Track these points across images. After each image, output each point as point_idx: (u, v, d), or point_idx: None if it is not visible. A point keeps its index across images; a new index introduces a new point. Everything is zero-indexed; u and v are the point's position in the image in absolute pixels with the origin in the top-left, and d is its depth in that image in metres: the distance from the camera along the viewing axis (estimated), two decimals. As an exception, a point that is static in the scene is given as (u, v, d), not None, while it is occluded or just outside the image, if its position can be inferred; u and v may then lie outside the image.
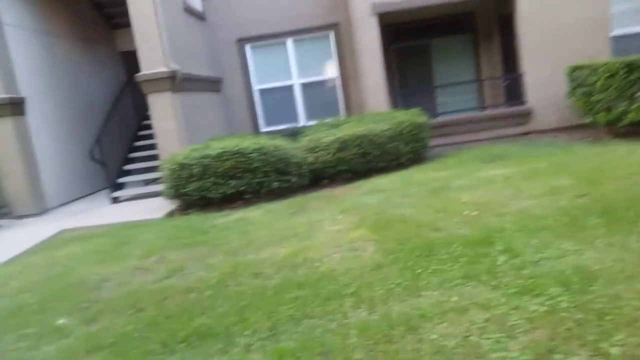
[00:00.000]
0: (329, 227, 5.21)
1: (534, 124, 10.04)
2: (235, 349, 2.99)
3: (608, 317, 2.67)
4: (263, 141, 7.57)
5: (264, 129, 11.94)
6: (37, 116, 9.14)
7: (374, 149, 8.06)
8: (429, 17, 12.23)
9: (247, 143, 7.35)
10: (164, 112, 8.46)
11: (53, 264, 5.47)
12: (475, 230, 4.24)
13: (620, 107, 7.74)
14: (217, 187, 7.18)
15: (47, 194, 9.16)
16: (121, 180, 9.63)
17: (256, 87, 11.83)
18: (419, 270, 3.66)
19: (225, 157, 7.10)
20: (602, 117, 8.09)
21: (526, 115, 10.04)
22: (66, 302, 4.19)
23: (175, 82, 8.52)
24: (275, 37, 11.70)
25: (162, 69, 8.33)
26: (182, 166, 7.16)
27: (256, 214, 6.53)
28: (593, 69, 8.11)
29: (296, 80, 11.75)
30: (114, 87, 11.48)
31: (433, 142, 10.20)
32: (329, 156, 7.85)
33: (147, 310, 3.80)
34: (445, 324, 2.88)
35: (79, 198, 9.99)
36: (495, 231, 4.12)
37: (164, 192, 7.48)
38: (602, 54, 9.24)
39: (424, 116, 8.96)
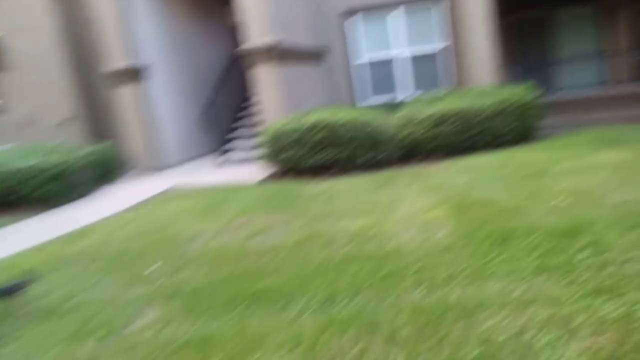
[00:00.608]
0: (409, 204, 5.14)
1: (669, 106, 8.77)
2: (291, 311, 3.14)
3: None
4: (355, 115, 7.58)
5: (367, 100, 11.86)
6: (157, 83, 10.05)
7: (473, 126, 7.67)
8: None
9: (339, 116, 7.41)
10: (266, 82, 8.80)
11: (157, 217, 6.12)
12: (562, 220, 3.91)
13: None
14: (308, 157, 7.39)
15: (164, 154, 10.13)
16: (228, 145, 10.30)
17: (361, 58, 11.72)
18: (489, 258, 3.50)
19: (316, 130, 7.25)
20: None
21: (660, 95, 8.80)
22: (160, 252, 4.69)
23: (278, 54, 8.78)
24: (386, 6, 11.44)
25: (265, 41, 8.62)
26: (277, 136, 7.47)
27: (342, 185, 6.63)
28: None
29: (402, 52, 11.42)
30: (223, 59, 12.15)
31: (546, 121, 9.42)
32: (423, 132, 7.64)
33: (224, 267, 4.12)
34: (501, 316, 2.75)
35: (191, 159, 10.90)
36: (585, 223, 3.76)
37: (262, 160, 7.87)
38: None
39: (533, 93, 8.26)
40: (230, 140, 10.57)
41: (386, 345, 2.61)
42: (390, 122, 7.90)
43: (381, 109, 8.69)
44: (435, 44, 11.18)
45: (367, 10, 11.43)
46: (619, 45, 11.01)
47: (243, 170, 8.78)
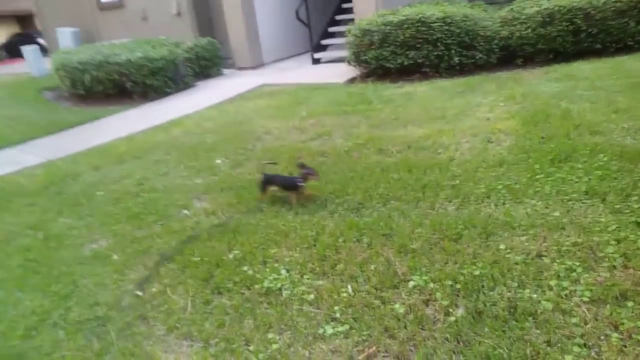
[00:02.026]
0: (482, 113, 4.80)
1: None
2: (321, 212, 3.27)
3: None
4: (452, 9, 6.92)
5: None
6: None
7: (590, 26, 6.58)
8: None
9: (434, 11, 6.83)
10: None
11: (239, 113, 6.45)
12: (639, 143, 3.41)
13: None
14: (395, 57, 7.04)
15: (263, 50, 10.33)
16: (323, 42, 10.15)
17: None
18: (541, 175, 3.25)
19: (406, 26, 6.80)
20: None
21: None
22: (231, 146, 5.03)
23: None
24: None
25: None
26: (364, 32, 7.16)
27: (424, 89, 6.32)
28: None
29: None
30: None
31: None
32: (527, 31, 6.77)
33: (278, 164, 4.32)
34: (525, 238, 2.62)
35: (289, 57, 11.00)
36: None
37: (348, 58, 7.69)
38: None
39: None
40: (329, 35, 10.38)
41: (393, 256, 2.65)
42: (493, 19, 7.11)
43: (496, 3, 7.81)
44: None
45: None
46: None
47: (332, 70, 8.69)
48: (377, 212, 3.16)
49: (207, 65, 9.62)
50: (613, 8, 6.51)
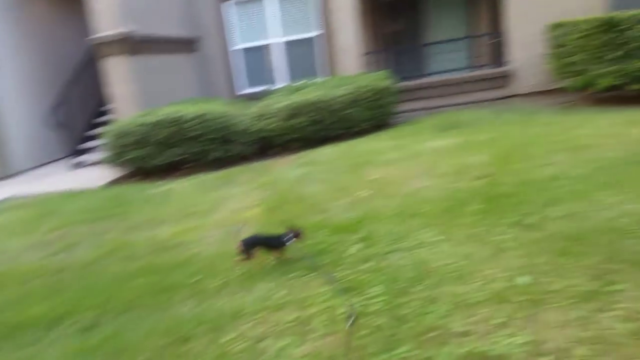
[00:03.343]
0: (234, 204, 5.03)
1: (515, 88, 9.35)
2: (43, 342, 2.89)
3: (407, 325, 2.42)
4: (208, 107, 7.33)
5: (244, 90, 11.61)
6: (6, 78, 9.09)
7: (328, 116, 7.68)
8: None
9: (191, 109, 7.14)
10: (119, 76, 8.29)
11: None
12: (353, 214, 3.97)
13: (595, 71, 7.04)
14: (156, 155, 7.06)
15: (15, 158, 9.26)
16: (85, 145, 9.62)
17: (237, 46, 11.41)
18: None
19: (164, 125, 6.92)
20: (576, 82, 7.41)
21: (507, 78, 9.36)
22: None
23: (131, 44, 8.28)
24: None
25: (116, 31, 8.09)
26: (122, 133, 7.05)
27: (185, 185, 6.39)
28: (572, 26, 7.36)
29: (278, 39, 11.25)
30: (84, 52, 11.30)
31: (408, 106, 9.73)
32: (278, 123, 7.55)
33: (7, 290, 3.76)
34: (251, 324, 2.69)
35: (48, 162, 10.04)
36: (371, 216, 3.84)
37: (106, 160, 7.41)
38: (597, 9, 8.35)
39: (388, 80, 8.45)
40: (89, 138, 9.87)
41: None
42: (248, 114, 7.74)
43: (256, 99, 8.51)
44: (310, 32, 11.11)
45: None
46: (481, 29, 11.59)
47: (93, 174, 8.21)
48: (112, 327, 2.93)
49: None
50: (343, 101, 7.73)
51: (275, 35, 11.18)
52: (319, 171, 5.67)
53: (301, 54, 11.33)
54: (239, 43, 11.32)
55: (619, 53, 6.69)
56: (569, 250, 2.80)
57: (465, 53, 10.89)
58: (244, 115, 7.64)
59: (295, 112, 7.55)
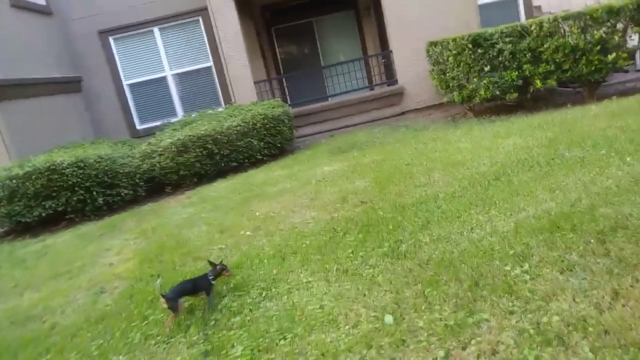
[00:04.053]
0: (109, 258, 4.59)
1: (407, 104, 9.65)
2: None
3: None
4: (85, 153, 6.77)
5: (140, 126, 11.03)
6: None
7: (222, 148, 7.39)
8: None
9: (64, 157, 6.54)
10: (-18, 125, 7.48)
11: None
12: (232, 258, 3.72)
13: (471, 85, 7.40)
14: (31, 209, 6.37)
15: None
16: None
17: (125, 82, 10.85)
18: (131, 323, 3.10)
19: (35, 176, 6.27)
20: (457, 96, 7.75)
21: (398, 95, 9.64)
22: None
23: (-5, 90, 7.53)
24: (140, 25, 10.72)
25: (-27, 77, 7.33)
26: (-14, 190, 6.30)
27: (64, 239, 5.82)
28: (444, 45, 7.72)
29: (169, 71, 10.85)
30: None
31: (309, 129, 9.72)
32: (167, 161, 7.13)
33: None
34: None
35: None
36: (251, 257, 3.64)
37: (-25, 219, 6.60)
38: (471, 25, 8.86)
39: (283, 107, 8.37)
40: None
41: None
42: (134, 154, 7.27)
43: (154, 135, 8.04)
44: (202, 61, 10.83)
45: (122, 30, 10.60)
46: (373, 50, 11.94)
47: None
48: None
49: None
50: (236, 132, 7.49)
51: (165, 68, 10.81)
52: (207, 210, 5.37)
53: (196, 85, 11.03)
54: (128, 78, 10.80)
55: (489, 67, 7.06)
56: (437, 279, 2.74)
57: (361, 74, 11.12)
58: (129, 157, 7.16)
59: (183, 147, 7.18)
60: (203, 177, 7.37)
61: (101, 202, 6.64)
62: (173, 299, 2.93)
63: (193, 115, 8.89)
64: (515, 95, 7.13)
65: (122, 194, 6.85)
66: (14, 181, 6.27)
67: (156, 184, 7.29)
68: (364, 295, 2.77)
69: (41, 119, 8.69)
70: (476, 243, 3.05)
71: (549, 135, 4.90)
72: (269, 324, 2.68)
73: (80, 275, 4.30)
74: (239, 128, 7.53)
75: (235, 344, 2.56)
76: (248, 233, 4.17)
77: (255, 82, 9.76)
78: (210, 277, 3.06)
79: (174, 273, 3.72)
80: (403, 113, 9.69)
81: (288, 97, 11.64)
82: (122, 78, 10.87)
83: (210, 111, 9.04)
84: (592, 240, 2.76)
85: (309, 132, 9.67)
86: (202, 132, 7.30)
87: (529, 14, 10.71)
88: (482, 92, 7.24)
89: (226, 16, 9.41)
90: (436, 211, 3.64)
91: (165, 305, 2.94)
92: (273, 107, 8.19)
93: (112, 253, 4.71)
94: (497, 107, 7.97)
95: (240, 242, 4.03)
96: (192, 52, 10.96)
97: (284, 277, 3.20)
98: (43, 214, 6.40)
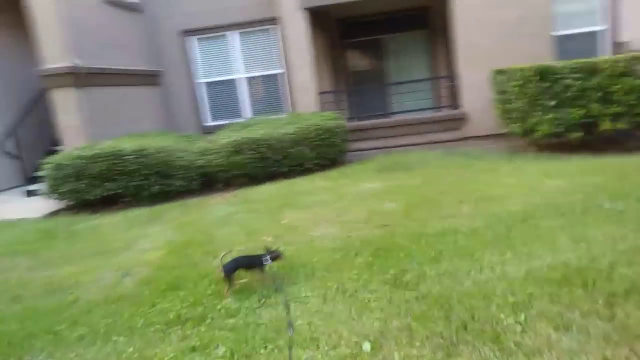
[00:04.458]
0: (144, 244, 4.92)
1: (469, 130, 9.41)
2: None
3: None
4: (148, 142, 7.27)
5: (208, 123, 11.64)
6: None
7: (274, 154, 7.64)
8: (382, 12, 11.67)
9: (130, 144, 7.06)
10: (66, 107, 8.24)
11: None
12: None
13: (534, 118, 7.10)
14: (92, 189, 6.94)
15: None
16: (37, 174, 9.49)
17: (200, 80, 11.50)
18: (146, 307, 3.32)
19: (100, 159, 6.83)
20: (517, 128, 7.47)
21: (460, 121, 9.42)
22: None
23: (79, 77, 8.27)
24: (221, 29, 11.33)
25: (63, 64, 8.09)
26: (58, 166, 6.94)
27: (115, 220, 6.28)
28: (510, 74, 7.47)
29: (242, 74, 11.37)
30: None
31: (365, 144, 9.75)
32: (221, 160, 7.49)
33: None
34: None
35: (3, 190, 9.89)
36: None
37: (44, 191, 7.28)
38: (544, 56, 8.52)
39: (338, 119, 8.48)
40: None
41: None
42: (191, 150, 7.69)
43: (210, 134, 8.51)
44: (274, 67, 11.22)
45: (203, 32, 11.25)
46: (441, 72, 11.77)
47: (38, 204, 8.04)
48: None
49: None
50: (289, 139, 7.71)
51: (239, 71, 11.29)
52: (244, 211, 5.59)
53: (265, 90, 11.43)
54: (204, 77, 11.41)
55: (554, 102, 6.74)
56: (427, 314, 2.71)
57: (426, 94, 11.00)
58: (187, 151, 7.58)
59: (238, 148, 7.50)
60: (253, 178, 7.64)
61: (156, 189, 7.10)
62: (229, 270, 3.31)
63: (254, 119, 9.24)
64: (580, 134, 6.76)
65: (177, 184, 7.27)
66: (82, 161, 6.87)
67: (209, 179, 7.67)
68: (353, 319, 2.79)
69: (119, 106, 9.41)
70: (479, 285, 2.96)
71: (598, 182, 4.62)
72: (255, 331, 2.78)
73: (115, 257, 4.64)
74: (293, 136, 7.74)
75: (220, 345, 2.68)
76: (269, 239, 4.30)
77: (320, 93, 9.96)
78: (266, 258, 3.38)
79: (194, 268, 3.93)
80: (463, 139, 9.46)
81: (350, 110, 11.74)
82: (197, 76, 11.51)
83: (272, 116, 9.35)
84: (600, 301, 2.60)
85: (365, 147, 9.69)
86: (258, 136, 7.59)
87: (616, 50, 10.08)
88: (544, 128, 6.93)
89: (295, 27, 9.70)
90: (451, 245, 3.57)
91: (221, 276, 3.31)
92: (328, 119, 8.33)
93: (149, 240, 5.03)
94: (561, 144, 7.57)
95: (259, 247, 4.15)
96: (265, 58, 11.37)
97: (286, 289, 3.28)
98: (104, 194, 6.95)
